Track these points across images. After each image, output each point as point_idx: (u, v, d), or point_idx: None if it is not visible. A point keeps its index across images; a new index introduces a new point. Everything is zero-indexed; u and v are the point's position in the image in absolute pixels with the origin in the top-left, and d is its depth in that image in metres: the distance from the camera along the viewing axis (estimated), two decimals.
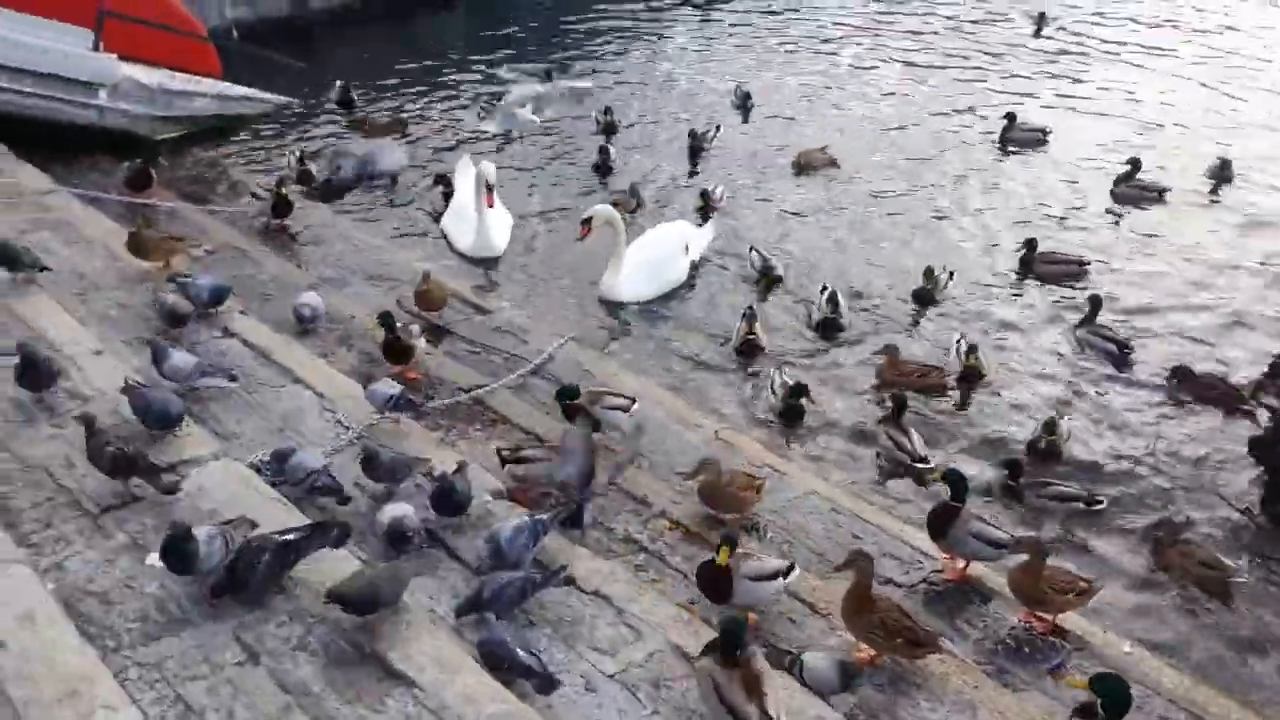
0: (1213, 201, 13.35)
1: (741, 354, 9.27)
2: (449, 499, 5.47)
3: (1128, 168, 13.15)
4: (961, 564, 6.38)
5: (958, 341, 9.42)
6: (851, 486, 7.50)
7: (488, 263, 10.80)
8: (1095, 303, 10.05)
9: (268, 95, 13.01)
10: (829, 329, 9.80)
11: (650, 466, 7.12)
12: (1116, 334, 9.83)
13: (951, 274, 10.64)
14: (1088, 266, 11.20)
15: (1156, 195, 12.99)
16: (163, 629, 4.37)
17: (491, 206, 10.61)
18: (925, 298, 10.33)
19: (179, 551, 4.42)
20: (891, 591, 5.98)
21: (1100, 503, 7.67)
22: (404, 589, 4.61)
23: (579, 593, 5.20)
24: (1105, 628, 6.15)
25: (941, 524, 6.20)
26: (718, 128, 14.22)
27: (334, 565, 4.75)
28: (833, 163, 13.51)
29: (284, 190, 10.21)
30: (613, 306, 10.06)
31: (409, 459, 5.82)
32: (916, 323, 10.26)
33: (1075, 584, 6.01)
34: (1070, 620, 6.01)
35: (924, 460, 7.85)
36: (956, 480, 6.28)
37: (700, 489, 6.41)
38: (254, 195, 11.11)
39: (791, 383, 8.42)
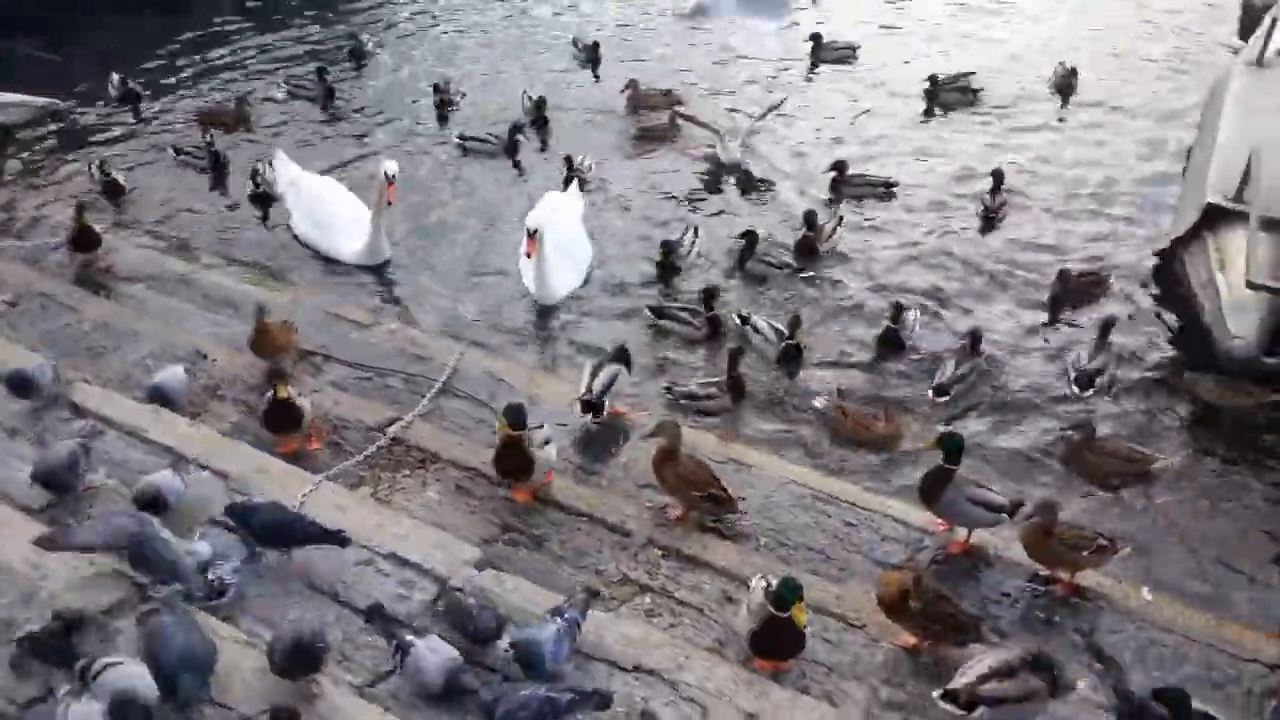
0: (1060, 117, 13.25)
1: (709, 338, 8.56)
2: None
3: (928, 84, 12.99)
4: (963, 535, 6.01)
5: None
6: (816, 464, 6.97)
7: (371, 270, 9.50)
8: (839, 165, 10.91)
9: (26, 98, 11.08)
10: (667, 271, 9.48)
11: (609, 483, 6.36)
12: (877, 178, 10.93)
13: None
14: (894, 188, 10.99)
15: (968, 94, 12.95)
16: None
17: (391, 204, 9.21)
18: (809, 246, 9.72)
19: None
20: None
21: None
22: None
23: (620, 672, 4.44)
24: (1120, 579, 5.90)
25: (935, 489, 5.81)
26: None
27: None
28: (677, 103, 12.76)
29: (84, 218, 8.54)
30: (548, 309, 8.99)
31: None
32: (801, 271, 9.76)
33: (1094, 542, 5.73)
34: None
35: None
36: (951, 443, 5.87)
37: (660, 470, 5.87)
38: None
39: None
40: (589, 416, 6.72)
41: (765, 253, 9.57)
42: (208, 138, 11.15)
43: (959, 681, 4.41)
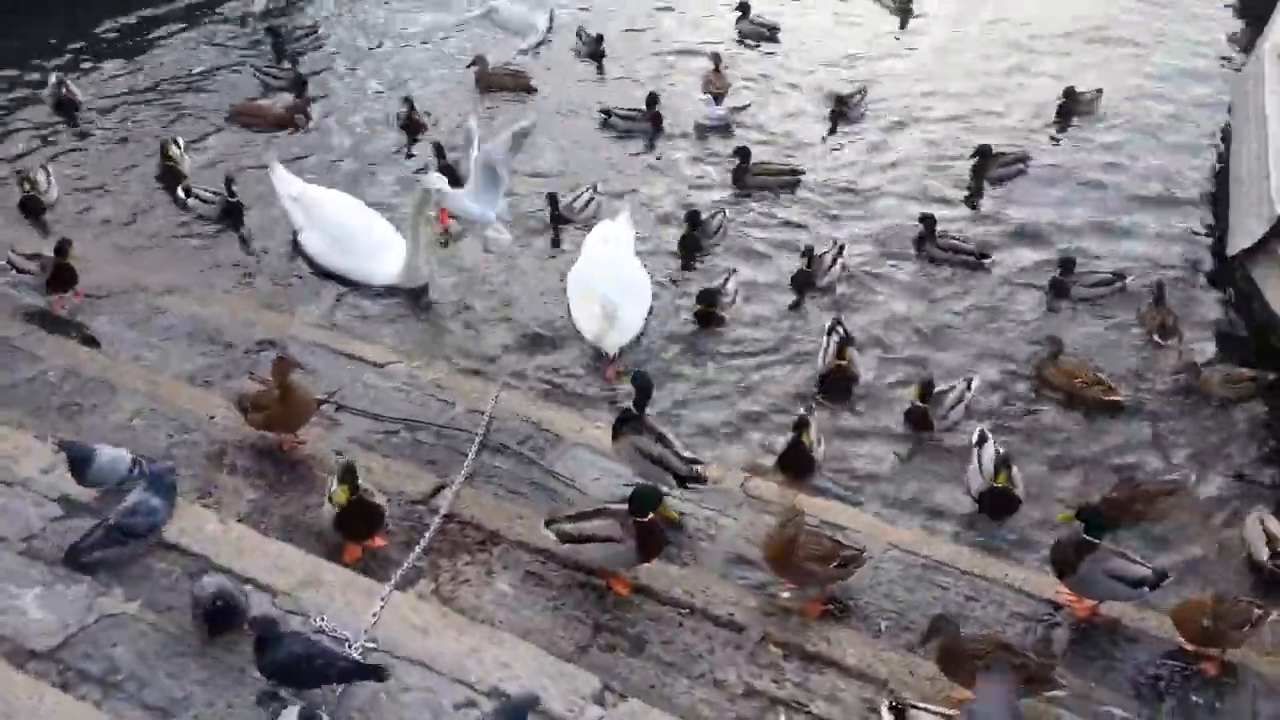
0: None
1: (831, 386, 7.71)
2: None
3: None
4: (1092, 601, 5.42)
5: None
6: (920, 526, 6.28)
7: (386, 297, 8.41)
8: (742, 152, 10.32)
9: None
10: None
11: (694, 558, 5.57)
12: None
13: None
14: (801, 176, 10.44)
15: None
16: None
17: (445, 224, 8.19)
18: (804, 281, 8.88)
19: None
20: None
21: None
22: None
23: None
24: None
25: (1071, 561, 5.24)
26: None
27: None
28: (526, 86, 12.00)
29: (69, 253, 7.30)
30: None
31: None
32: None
33: (1250, 613, 5.17)
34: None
35: None
36: (1092, 514, 5.26)
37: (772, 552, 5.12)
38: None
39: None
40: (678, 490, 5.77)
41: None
42: (227, 184, 9.39)
43: None
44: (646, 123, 11.10)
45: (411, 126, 10.96)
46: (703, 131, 11.31)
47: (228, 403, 6.09)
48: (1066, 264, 8.83)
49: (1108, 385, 7.68)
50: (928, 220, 9.36)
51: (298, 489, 5.68)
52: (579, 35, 13.10)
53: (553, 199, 9.46)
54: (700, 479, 5.72)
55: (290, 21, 13.51)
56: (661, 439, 5.75)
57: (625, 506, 5.04)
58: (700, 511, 5.88)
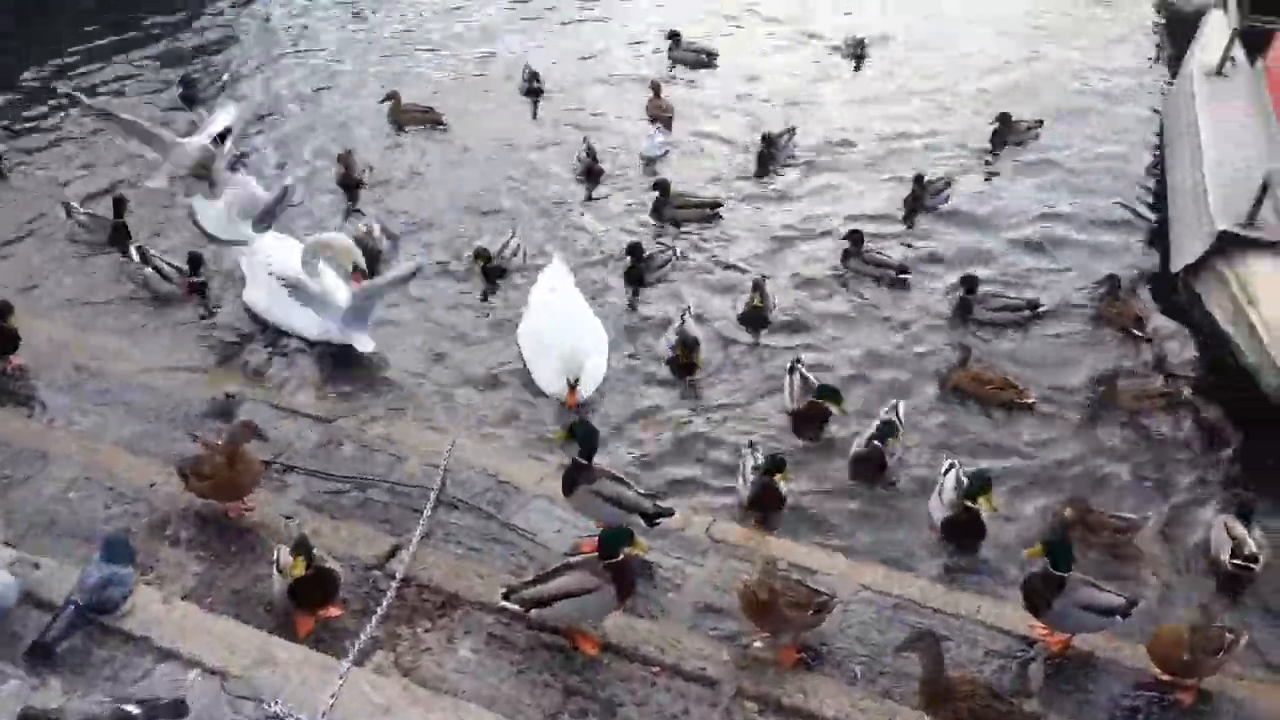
0: None
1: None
2: None
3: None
4: (1065, 634, 5.37)
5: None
6: (888, 566, 6.15)
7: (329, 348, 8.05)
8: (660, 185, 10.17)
9: None
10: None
11: (663, 611, 5.41)
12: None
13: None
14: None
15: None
16: None
17: (359, 286, 7.76)
18: (757, 319, 8.70)
19: None
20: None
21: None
22: None
23: None
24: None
25: (1044, 598, 5.18)
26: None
27: None
28: (437, 121, 11.83)
29: (10, 319, 6.93)
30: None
31: None
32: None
33: (1223, 639, 5.15)
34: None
35: None
36: (1059, 548, 5.22)
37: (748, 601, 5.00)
38: None
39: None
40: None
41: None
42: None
43: None
44: (583, 173, 10.87)
45: (349, 182, 10.37)
46: (647, 162, 11.19)
47: (169, 470, 5.82)
48: (969, 284, 8.84)
49: (1019, 389, 7.78)
50: (855, 235, 9.40)
51: (246, 558, 5.43)
52: (523, 72, 12.84)
53: (484, 254, 9.10)
54: (668, 512, 5.65)
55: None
56: (618, 480, 5.64)
57: (584, 558, 4.93)
58: (666, 560, 5.73)
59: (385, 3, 15.64)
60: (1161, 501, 7.08)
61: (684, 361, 7.96)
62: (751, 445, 6.95)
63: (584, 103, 12.73)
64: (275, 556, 4.99)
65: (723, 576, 5.61)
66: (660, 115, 12.01)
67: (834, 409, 7.33)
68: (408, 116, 11.80)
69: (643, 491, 5.74)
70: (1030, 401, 7.79)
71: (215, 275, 8.78)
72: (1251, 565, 6.26)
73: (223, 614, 4.95)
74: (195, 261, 8.52)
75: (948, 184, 10.68)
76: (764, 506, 6.56)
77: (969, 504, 6.34)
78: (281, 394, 7.25)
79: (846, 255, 9.44)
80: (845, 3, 16.11)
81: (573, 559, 5.10)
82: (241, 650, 4.52)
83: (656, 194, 10.13)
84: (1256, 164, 8.66)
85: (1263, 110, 9.67)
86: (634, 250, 9.10)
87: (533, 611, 4.88)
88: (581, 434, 5.61)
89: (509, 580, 5.29)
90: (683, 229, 10.08)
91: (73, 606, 4.48)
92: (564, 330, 7.75)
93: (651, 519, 5.58)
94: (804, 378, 7.63)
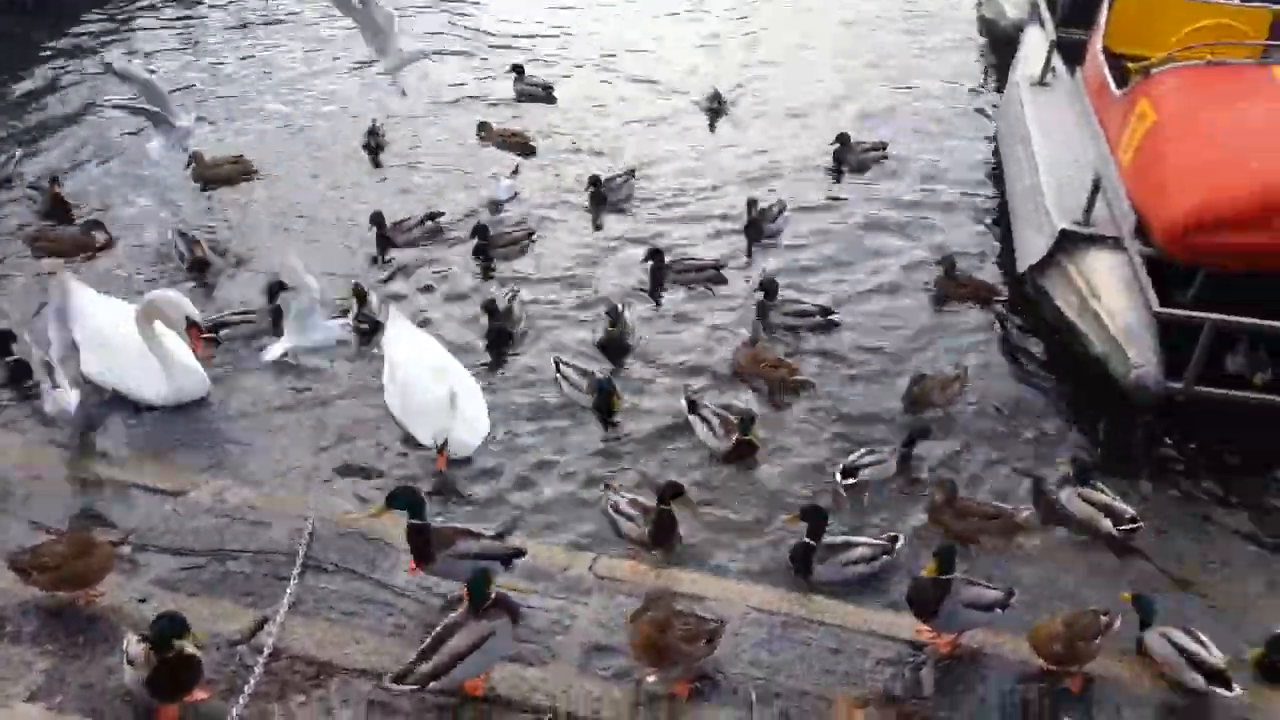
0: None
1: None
2: None
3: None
4: (951, 634, 5.42)
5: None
6: (773, 583, 6.12)
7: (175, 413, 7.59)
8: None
9: None
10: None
11: (552, 656, 5.23)
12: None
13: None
14: (532, 239, 10.23)
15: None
16: None
17: (200, 352, 7.40)
18: (616, 346, 8.65)
19: None
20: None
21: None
22: None
23: None
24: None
25: (932, 603, 5.25)
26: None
27: None
28: (246, 171, 11.34)
29: None
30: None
31: None
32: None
33: (1098, 623, 5.27)
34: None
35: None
36: (948, 553, 5.28)
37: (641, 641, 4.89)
38: None
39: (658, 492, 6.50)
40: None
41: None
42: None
43: None
44: (425, 232, 10.29)
45: (196, 264, 9.44)
46: (496, 207, 10.98)
47: (1, 562, 5.36)
48: (768, 288, 8.93)
49: (791, 366, 8.11)
50: (656, 254, 9.59)
51: (98, 649, 5.01)
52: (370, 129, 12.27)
53: (363, 304, 8.79)
54: (520, 552, 5.53)
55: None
56: (468, 534, 5.49)
57: (459, 612, 4.75)
58: (549, 603, 5.55)
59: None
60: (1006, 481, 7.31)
61: (744, 442, 7.30)
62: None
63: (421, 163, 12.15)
64: (125, 646, 4.62)
65: (609, 614, 5.48)
66: (511, 142, 12.05)
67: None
68: (212, 173, 11.05)
69: (490, 534, 5.64)
70: (805, 379, 8.09)
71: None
72: (1139, 524, 6.55)
73: (74, 713, 4.54)
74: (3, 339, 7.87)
75: (782, 209, 10.59)
76: (740, 457, 7.18)
77: (743, 438, 7.17)
78: (126, 469, 6.77)
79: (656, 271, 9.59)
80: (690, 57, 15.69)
81: (445, 621, 4.84)
82: None
83: (476, 239, 9.87)
84: (1085, 165, 9.07)
85: (1084, 115, 10.17)
86: (489, 306, 8.70)
87: (432, 684, 4.63)
88: (404, 503, 5.33)
89: (387, 646, 5.07)
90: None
91: None
92: (428, 386, 7.36)
93: (508, 560, 5.45)
94: (716, 414, 7.45)
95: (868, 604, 5.88)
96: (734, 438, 7.25)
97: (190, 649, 4.52)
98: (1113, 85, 9.59)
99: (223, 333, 8.40)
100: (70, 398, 6.81)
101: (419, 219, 10.23)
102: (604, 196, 10.96)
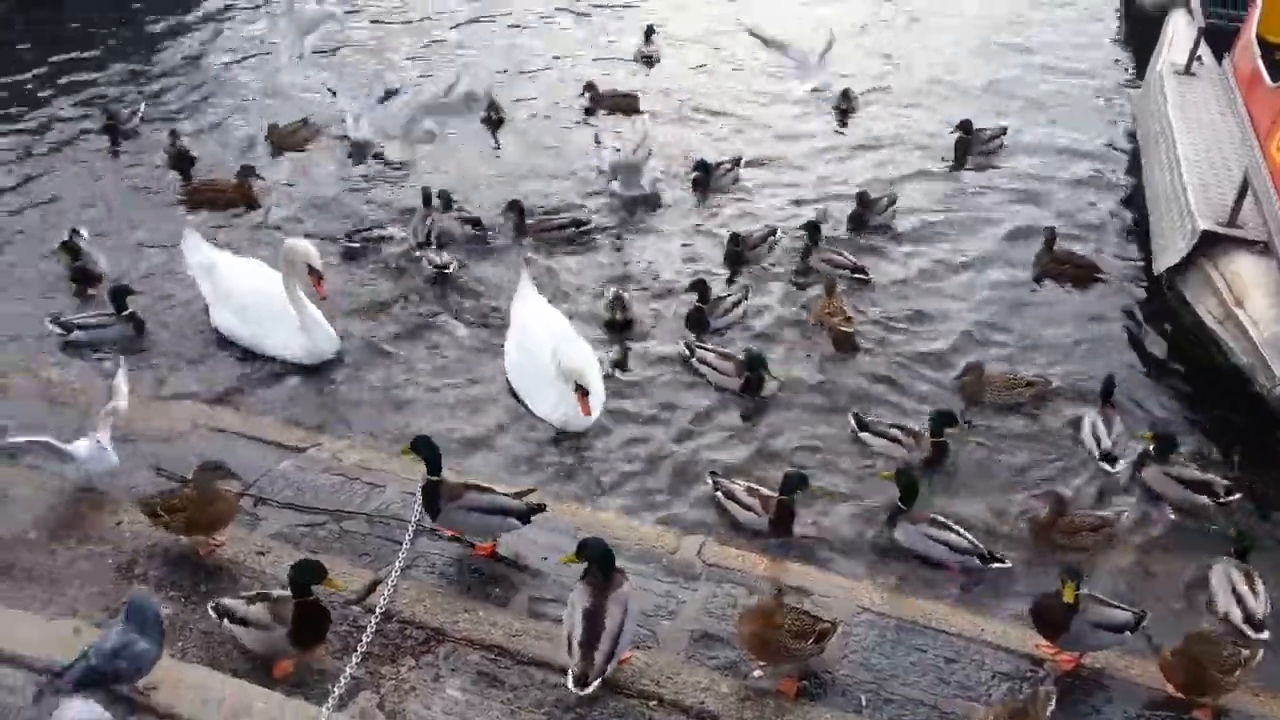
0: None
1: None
2: None
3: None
4: (1075, 653, 5.22)
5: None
6: (886, 583, 5.97)
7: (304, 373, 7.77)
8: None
9: None
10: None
11: (660, 643, 5.18)
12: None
13: None
14: (583, 225, 9.91)
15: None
16: None
17: (325, 297, 7.72)
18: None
19: None
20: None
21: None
22: None
23: None
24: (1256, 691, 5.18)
25: (1060, 622, 5.05)
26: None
27: None
28: (312, 136, 11.52)
29: None
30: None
31: None
32: None
33: (1237, 657, 5.01)
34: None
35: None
36: (1076, 574, 5.08)
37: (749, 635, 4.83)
38: None
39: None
40: None
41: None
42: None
43: None
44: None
45: (84, 275, 8.71)
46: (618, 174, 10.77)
47: (133, 506, 5.52)
48: (699, 289, 8.53)
49: (845, 316, 8.24)
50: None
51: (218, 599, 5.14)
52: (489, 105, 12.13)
53: None
54: (541, 507, 5.52)
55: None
56: (478, 488, 5.53)
57: (584, 594, 4.69)
58: (656, 586, 5.50)
59: None
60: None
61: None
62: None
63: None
64: (231, 612, 4.71)
65: (718, 602, 5.41)
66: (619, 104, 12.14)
67: (767, 377, 7.66)
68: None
69: (508, 493, 5.59)
70: (851, 331, 8.20)
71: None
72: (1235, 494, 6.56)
73: (195, 660, 4.66)
74: (121, 293, 8.07)
75: (891, 202, 10.20)
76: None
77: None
78: (250, 422, 6.91)
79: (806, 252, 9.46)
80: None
81: (581, 599, 4.73)
82: (217, 701, 4.24)
83: (513, 216, 9.77)
84: (1232, 162, 8.59)
85: (1232, 107, 9.63)
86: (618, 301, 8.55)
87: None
88: (423, 447, 5.45)
89: (494, 617, 5.10)
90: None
91: (82, 662, 4.13)
92: (566, 353, 7.29)
93: (526, 517, 5.45)
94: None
95: (985, 612, 5.68)
96: (744, 376, 7.58)
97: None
98: (1266, 76, 9.02)
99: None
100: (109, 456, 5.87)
101: (563, 222, 9.92)
102: (706, 181, 10.78)
